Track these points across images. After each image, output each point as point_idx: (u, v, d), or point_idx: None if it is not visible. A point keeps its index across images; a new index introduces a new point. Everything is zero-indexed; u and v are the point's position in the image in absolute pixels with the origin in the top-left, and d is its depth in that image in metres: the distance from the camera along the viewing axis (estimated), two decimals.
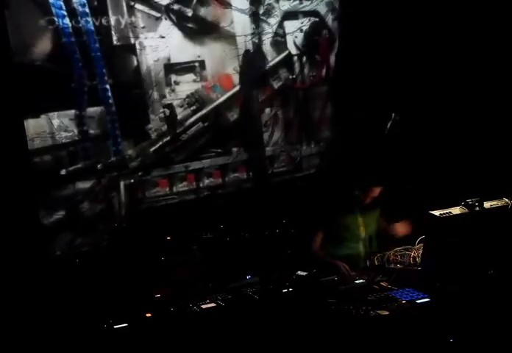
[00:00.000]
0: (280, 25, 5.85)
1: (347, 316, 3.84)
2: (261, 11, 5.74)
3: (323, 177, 6.00)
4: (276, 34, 5.85)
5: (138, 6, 5.27)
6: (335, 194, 5.08)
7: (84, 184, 5.21)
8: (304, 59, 6.03)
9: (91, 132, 5.23)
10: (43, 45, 4.97)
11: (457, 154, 5.90)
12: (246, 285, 4.34)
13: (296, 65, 5.99)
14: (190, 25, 5.50)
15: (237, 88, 5.74)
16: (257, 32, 5.73)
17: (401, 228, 4.87)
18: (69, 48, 5.03)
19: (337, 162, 6.04)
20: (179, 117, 5.55)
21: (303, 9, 5.93)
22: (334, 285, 4.31)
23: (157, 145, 5.50)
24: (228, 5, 5.59)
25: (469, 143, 5.90)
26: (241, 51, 5.69)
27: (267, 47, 5.82)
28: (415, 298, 4.02)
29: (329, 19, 6.06)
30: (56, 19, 4.96)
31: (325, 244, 4.86)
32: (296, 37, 5.94)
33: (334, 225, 4.85)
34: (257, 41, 5.75)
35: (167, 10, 5.39)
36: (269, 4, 5.77)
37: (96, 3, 5.10)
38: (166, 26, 5.40)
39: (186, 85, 5.57)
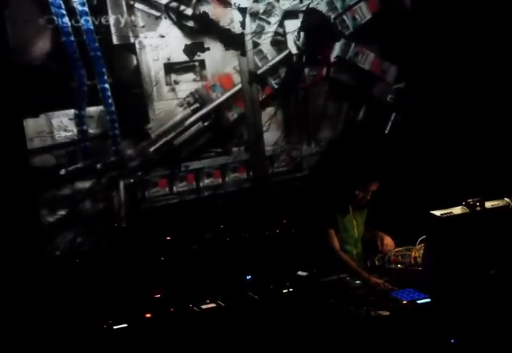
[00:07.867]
0: (280, 24, 5.83)
1: (348, 316, 3.83)
2: (261, 10, 5.72)
3: (322, 176, 5.96)
4: (276, 33, 5.83)
5: (138, 5, 5.26)
6: (333, 192, 4.97)
7: (83, 184, 5.20)
8: (305, 58, 6.01)
9: (91, 131, 5.22)
10: (42, 45, 4.96)
11: (459, 153, 5.90)
12: (247, 285, 4.32)
13: (297, 65, 5.97)
14: (190, 24, 5.49)
15: (237, 88, 5.72)
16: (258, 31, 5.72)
17: (389, 241, 4.66)
18: (68, 47, 5.02)
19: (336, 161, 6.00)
20: (178, 116, 5.54)
21: (303, 9, 5.91)
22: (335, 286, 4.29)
23: (157, 145, 5.48)
24: (228, 4, 5.57)
25: (470, 142, 5.90)
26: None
27: (267, 46, 5.81)
28: (416, 298, 4.01)
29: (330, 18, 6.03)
30: (55, 18, 4.95)
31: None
32: (296, 36, 5.92)
33: (335, 225, 4.75)
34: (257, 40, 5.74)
35: (167, 9, 5.38)
36: (269, 3, 5.75)
37: (95, 2, 5.08)
38: (166, 25, 5.39)
39: (186, 85, 5.55)
